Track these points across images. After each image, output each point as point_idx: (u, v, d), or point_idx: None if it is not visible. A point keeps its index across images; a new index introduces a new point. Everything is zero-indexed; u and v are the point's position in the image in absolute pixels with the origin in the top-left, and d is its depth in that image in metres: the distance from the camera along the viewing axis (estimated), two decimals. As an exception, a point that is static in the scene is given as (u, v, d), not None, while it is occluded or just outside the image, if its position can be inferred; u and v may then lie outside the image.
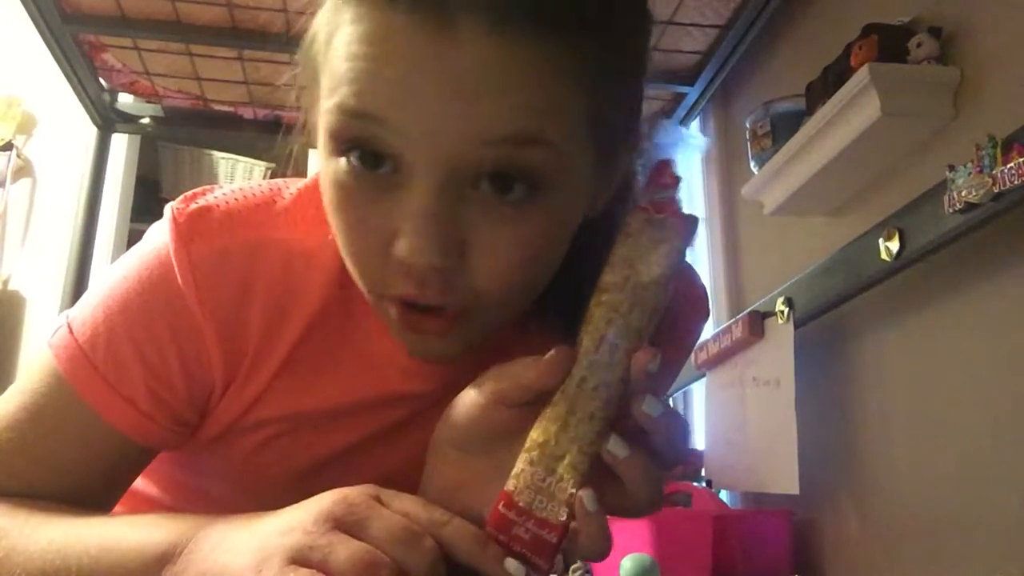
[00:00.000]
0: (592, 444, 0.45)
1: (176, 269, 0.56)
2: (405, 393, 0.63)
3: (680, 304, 0.70)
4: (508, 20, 0.45)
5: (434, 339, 0.53)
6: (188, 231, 0.57)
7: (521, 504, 0.46)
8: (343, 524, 0.44)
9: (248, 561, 0.44)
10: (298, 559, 0.43)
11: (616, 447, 0.46)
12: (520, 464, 0.46)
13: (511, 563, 0.45)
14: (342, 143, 0.49)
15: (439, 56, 0.45)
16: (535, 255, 0.51)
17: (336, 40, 0.49)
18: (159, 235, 0.59)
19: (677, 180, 0.48)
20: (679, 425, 0.47)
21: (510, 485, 0.46)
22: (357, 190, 0.49)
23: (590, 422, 0.45)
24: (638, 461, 0.46)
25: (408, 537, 0.44)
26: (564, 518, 0.45)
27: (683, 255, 0.47)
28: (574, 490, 0.45)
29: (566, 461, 0.45)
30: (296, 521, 0.44)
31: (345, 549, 0.42)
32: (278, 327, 0.59)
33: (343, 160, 0.49)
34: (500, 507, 0.46)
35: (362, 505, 0.45)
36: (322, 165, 0.52)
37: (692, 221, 0.48)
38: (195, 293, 0.56)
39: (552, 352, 0.47)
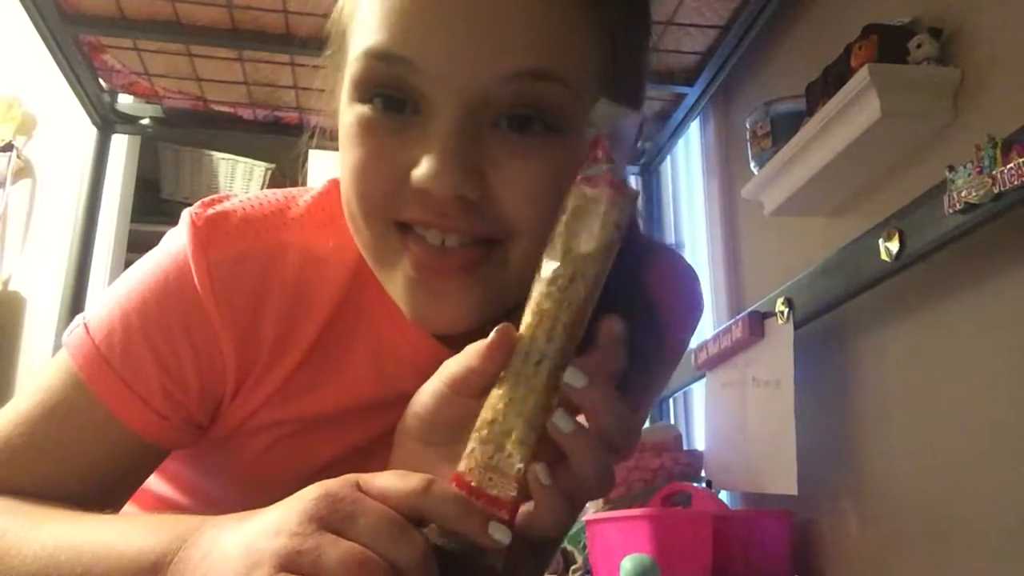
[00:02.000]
0: (538, 418, 0.45)
1: (194, 272, 0.57)
2: (415, 392, 0.62)
3: (672, 298, 0.70)
4: None
5: (447, 297, 0.53)
6: (206, 235, 0.58)
7: (473, 484, 0.45)
8: (329, 523, 0.43)
9: (236, 568, 0.43)
10: (288, 565, 0.41)
11: (560, 420, 0.46)
12: (470, 444, 0.46)
13: (495, 527, 0.44)
14: (367, 88, 0.52)
15: None
16: (553, 193, 0.51)
17: None
18: (176, 239, 0.60)
19: (608, 155, 0.48)
20: (613, 402, 0.47)
21: (462, 466, 0.46)
22: (377, 127, 0.52)
23: (535, 396, 0.45)
24: (582, 436, 0.46)
25: (396, 531, 0.43)
26: (514, 494, 0.45)
27: (620, 226, 0.47)
28: (522, 465, 0.45)
29: (513, 437, 0.45)
30: (282, 523, 0.43)
31: (334, 551, 0.41)
32: (292, 330, 0.60)
33: (366, 105, 0.52)
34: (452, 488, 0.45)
35: (346, 499, 0.43)
36: (343, 113, 0.54)
37: (626, 192, 0.47)
38: (212, 296, 0.57)
39: (493, 333, 0.47)
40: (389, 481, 0.44)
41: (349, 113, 0.53)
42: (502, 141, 0.51)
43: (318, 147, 0.71)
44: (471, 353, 0.48)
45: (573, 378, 0.46)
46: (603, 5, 0.53)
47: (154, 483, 0.70)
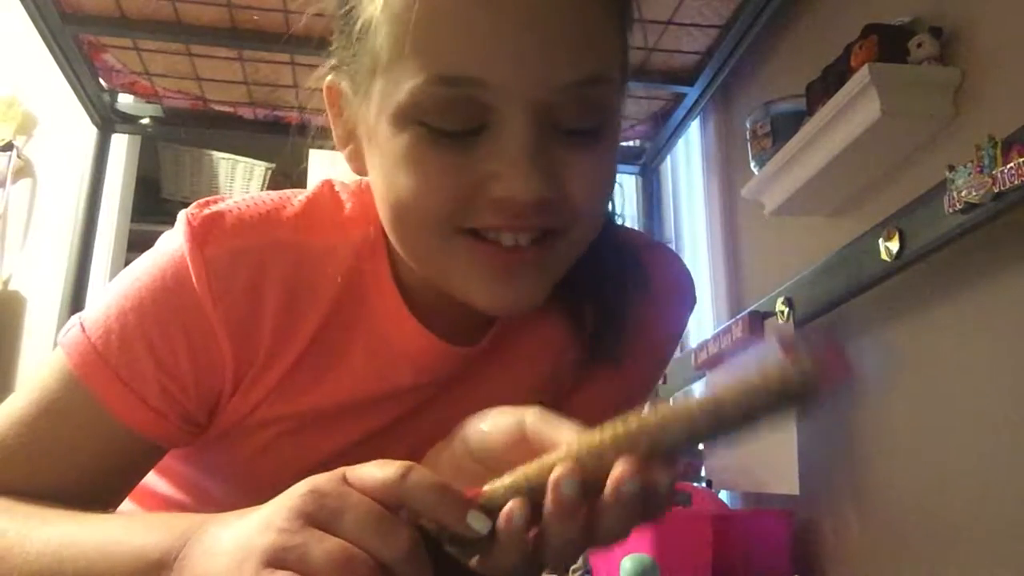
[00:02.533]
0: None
1: (191, 269, 0.58)
2: (411, 387, 0.64)
3: (663, 292, 0.72)
4: None
5: (523, 286, 0.56)
6: (202, 234, 0.58)
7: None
8: (316, 519, 0.42)
9: (228, 564, 0.43)
10: (274, 561, 0.42)
11: (567, 485, 0.42)
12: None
13: (474, 515, 0.43)
14: (431, 111, 0.52)
15: (523, 2, 0.51)
16: (608, 183, 0.59)
17: (412, 10, 0.52)
18: (172, 240, 0.60)
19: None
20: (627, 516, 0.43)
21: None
22: (442, 146, 0.53)
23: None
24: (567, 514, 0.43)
25: (382, 527, 0.42)
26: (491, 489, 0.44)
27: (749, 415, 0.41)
28: (511, 482, 0.44)
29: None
30: (271, 519, 0.43)
31: (320, 548, 0.41)
32: (290, 326, 0.60)
33: (422, 129, 0.53)
34: None
35: (332, 495, 0.43)
36: (390, 134, 0.54)
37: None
38: (209, 293, 0.58)
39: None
40: (371, 471, 0.44)
41: (403, 138, 0.53)
42: (564, 142, 0.54)
43: (317, 147, 0.71)
44: (574, 437, 0.45)
45: (625, 482, 0.41)
46: (623, 2, 0.57)
47: (154, 481, 0.71)
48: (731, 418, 0.41)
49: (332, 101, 0.62)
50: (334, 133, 0.63)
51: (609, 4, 0.55)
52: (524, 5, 0.51)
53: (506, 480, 0.44)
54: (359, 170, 0.61)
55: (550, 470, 0.43)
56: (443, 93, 0.51)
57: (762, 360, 0.40)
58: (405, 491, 0.43)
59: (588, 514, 0.43)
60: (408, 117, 0.53)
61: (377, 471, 0.44)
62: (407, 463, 0.44)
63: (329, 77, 0.62)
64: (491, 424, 0.50)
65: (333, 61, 0.61)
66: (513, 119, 0.52)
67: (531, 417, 0.48)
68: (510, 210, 0.53)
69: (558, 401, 0.69)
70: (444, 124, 0.52)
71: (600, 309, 0.68)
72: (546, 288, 0.58)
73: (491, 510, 0.44)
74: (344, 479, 0.44)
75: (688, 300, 0.75)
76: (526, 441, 0.47)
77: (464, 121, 0.52)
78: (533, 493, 0.43)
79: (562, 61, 0.52)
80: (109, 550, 0.50)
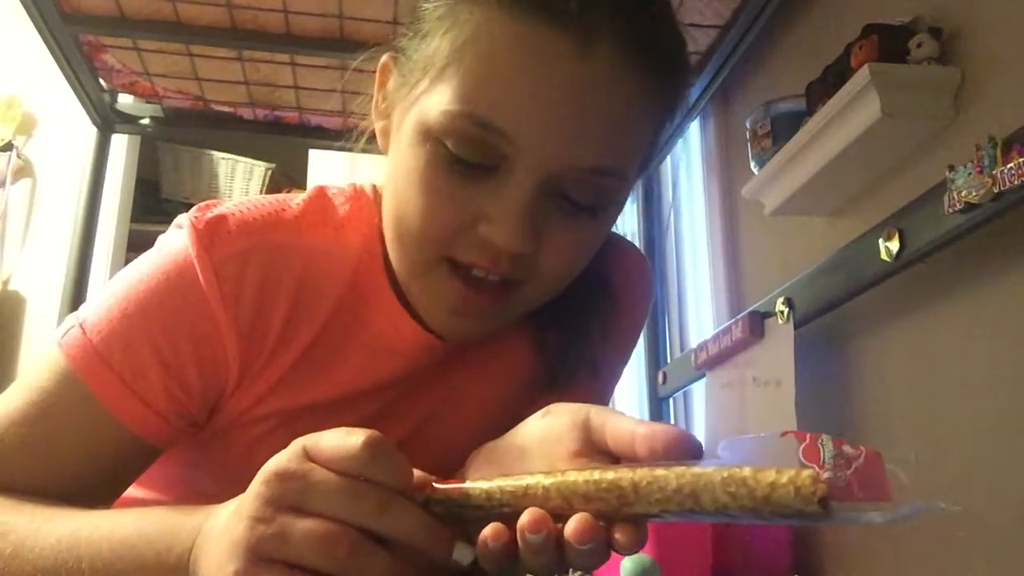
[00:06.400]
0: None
1: (199, 272, 0.58)
2: (399, 378, 0.66)
3: (629, 281, 0.76)
4: (640, 55, 0.54)
5: (475, 318, 0.60)
6: (208, 236, 0.59)
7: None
8: (284, 502, 0.42)
9: (218, 561, 0.43)
10: (260, 554, 0.41)
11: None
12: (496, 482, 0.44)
13: (460, 546, 0.44)
14: (453, 141, 0.55)
15: (574, 79, 0.53)
16: (584, 257, 0.62)
17: (472, 47, 0.54)
18: (175, 243, 0.60)
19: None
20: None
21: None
22: (453, 173, 0.56)
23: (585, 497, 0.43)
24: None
25: (350, 495, 0.42)
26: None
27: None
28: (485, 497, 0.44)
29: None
30: (243, 509, 0.43)
31: (299, 531, 0.41)
32: (295, 325, 0.62)
33: (441, 149, 0.55)
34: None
35: (296, 475, 0.43)
36: (411, 146, 0.57)
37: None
38: (219, 295, 0.58)
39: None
40: (331, 442, 0.43)
41: (422, 151, 0.56)
42: (559, 212, 0.57)
43: (318, 146, 0.74)
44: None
45: (576, 542, 0.42)
46: (670, 103, 0.60)
47: (134, 488, 0.70)
48: (708, 510, 0.39)
49: (383, 74, 0.64)
50: (374, 105, 0.65)
51: (656, 106, 0.58)
52: (572, 81, 0.53)
53: (483, 485, 0.44)
54: (385, 147, 0.64)
55: (524, 492, 0.43)
56: (470, 130, 0.54)
57: (777, 467, 0.37)
58: (370, 467, 0.42)
59: (556, 547, 0.42)
60: (433, 134, 0.56)
61: (338, 443, 0.43)
62: (369, 433, 0.43)
63: (387, 55, 0.64)
64: (553, 414, 0.50)
65: (398, 41, 0.63)
66: (523, 176, 0.55)
67: (594, 410, 0.48)
68: (488, 253, 0.57)
69: (535, 391, 0.71)
70: (461, 153, 0.55)
71: (565, 330, 0.71)
72: (490, 329, 0.64)
73: (458, 506, 0.44)
74: (304, 453, 0.44)
75: (649, 291, 0.80)
76: (588, 430, 0.47)
77: (480, 157, 0.55)
78: (505, 507, 0.43)
79: (589, 146, 0.55)
80: (130, 543, 0.50)
